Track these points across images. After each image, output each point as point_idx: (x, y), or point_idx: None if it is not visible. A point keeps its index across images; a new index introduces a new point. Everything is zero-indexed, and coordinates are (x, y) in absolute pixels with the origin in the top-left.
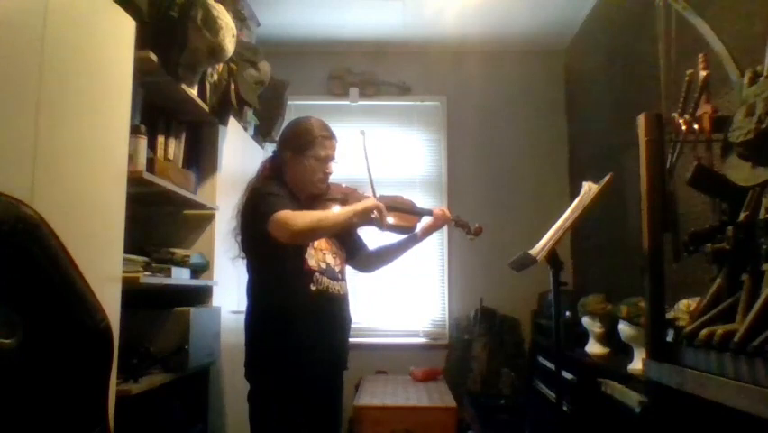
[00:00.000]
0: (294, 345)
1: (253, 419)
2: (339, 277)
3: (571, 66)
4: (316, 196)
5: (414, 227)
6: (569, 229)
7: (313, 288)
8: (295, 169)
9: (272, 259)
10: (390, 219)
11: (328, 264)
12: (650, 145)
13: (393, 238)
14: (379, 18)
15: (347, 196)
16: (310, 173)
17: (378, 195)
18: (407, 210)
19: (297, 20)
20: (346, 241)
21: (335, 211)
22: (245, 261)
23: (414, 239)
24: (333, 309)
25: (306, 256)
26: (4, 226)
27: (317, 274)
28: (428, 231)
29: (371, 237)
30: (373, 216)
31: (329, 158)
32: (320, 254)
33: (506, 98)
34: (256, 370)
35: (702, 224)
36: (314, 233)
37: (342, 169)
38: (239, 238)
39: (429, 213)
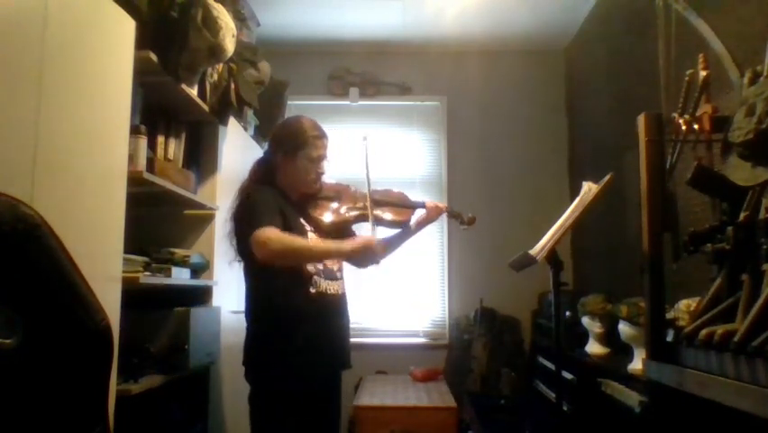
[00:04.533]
0: (294, 348)
1: (254, 420)
2: (337, 276)
3: (571, 66)
4: (309, 195)
5: (408, 221)
6: (569, 229)
7: (312, 291)
8: (287, 170)
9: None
10: (384, 215)
11: (325, 265)
12: (650, 145)
13: (387, 232)
14: (379, 18)
15: (339, 193)
16: (303, 174)
17: (371, 190)
18: (400, 204)
19: (297, 20)
20: (343, 239)
21: (325, 245)
22: (242, 264)
23: (407, 232)
24: (332, 310)
25: None
26: (5, 226)
27: (315, 277)
28: (422, 223)
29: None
30: (366, 254)
31: (321, 157)
32: None
33: (506, 98)
34: (256, 372)
35: (702, 224)
36: (290, 259)
37: (338, 168)
38: (234, 242)
39: (421, 205)
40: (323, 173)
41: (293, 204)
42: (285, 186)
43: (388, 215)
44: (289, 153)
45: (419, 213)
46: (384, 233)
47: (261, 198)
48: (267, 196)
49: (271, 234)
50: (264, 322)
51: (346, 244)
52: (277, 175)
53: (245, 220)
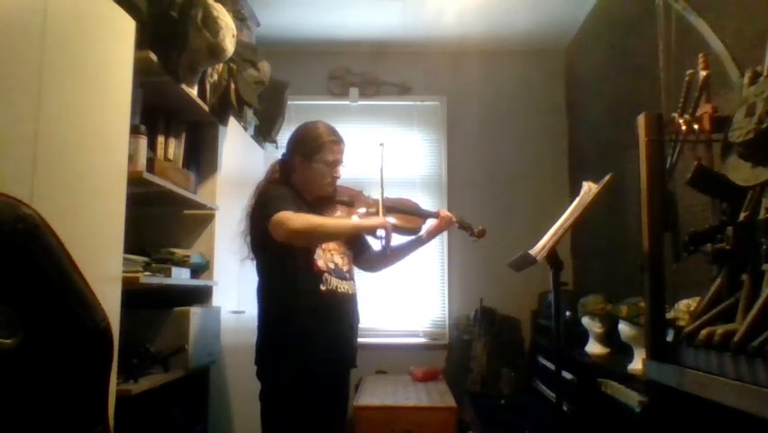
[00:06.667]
0: (305, 345)
1: (264, 417)
2: (347, 276)
3: (571, 66)
4: (323, 198)
5: (418, 229)
6: (569, 229)
7: (323, 288)
8: (304, 172)
9: (281, 260)
10: (395, 221)
11: (336, 264)
12: (650, 145)
13: (398, 240)
14: (379, 18)
15: (353, 198)
16: (319, 177)
17: (384, 197)
18: (412, 212)
19: (297, 20)
20: (353, 242)
21: (341, 220)
22: (254, 262)
23: (419, 241)
24: (342, 309)
25: (315, 257)
26: (5, 226)
27: (326, 275)
28: (433, 233)
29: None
30: (378, 234)
31: (337, 162)
32: (328, 255)
33: (506, 98)
34: (268, 369)
35: (702, 224)
36: (310, 236)
37: (349, 170)
38: (248, 239)
39: (433, 215)
40: (338, 177)
41: (308, 205)
42: (300, 188)
43: (399, 221)
44: (306, 157)
45: (430, 222)
46: (395, 240)
47: (278, 192)
48: (283, 191)
49: (288, 214)
50: (275, 319)
51: (366, 221)
52: (292, 177)
53: (261, 214)
